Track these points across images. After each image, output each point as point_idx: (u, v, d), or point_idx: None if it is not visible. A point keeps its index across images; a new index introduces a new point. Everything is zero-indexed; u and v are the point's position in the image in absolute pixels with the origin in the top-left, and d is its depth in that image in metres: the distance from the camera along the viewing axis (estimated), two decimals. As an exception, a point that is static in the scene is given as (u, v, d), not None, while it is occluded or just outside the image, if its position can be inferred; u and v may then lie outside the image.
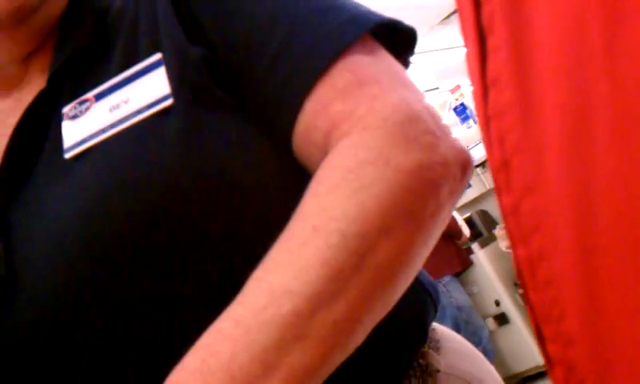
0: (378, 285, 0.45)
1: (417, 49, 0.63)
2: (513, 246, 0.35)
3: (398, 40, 0.59)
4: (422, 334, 0.63)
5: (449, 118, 7.28)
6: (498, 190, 0.35)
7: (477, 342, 3.95)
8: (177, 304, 0.53)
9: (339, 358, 0.45)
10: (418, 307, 0.63)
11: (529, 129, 0.33)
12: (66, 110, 0.60)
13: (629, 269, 0.30)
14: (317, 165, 0.50)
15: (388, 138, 0.47)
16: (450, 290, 4.09)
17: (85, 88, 0.61)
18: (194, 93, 0.56)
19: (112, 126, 0.56)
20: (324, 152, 0.51)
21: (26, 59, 0.68)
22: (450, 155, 0.48)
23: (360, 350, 0.47)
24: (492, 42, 0.34)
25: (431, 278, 0.68)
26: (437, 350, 0.65)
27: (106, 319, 0.53)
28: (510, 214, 0.34)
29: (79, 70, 0.63)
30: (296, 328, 0.43)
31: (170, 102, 0.55)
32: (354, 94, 0.51)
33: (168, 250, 0.52)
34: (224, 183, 0.54)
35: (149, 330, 0.53)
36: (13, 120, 0.63)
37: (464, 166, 0.49)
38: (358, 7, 0.57)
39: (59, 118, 0.60)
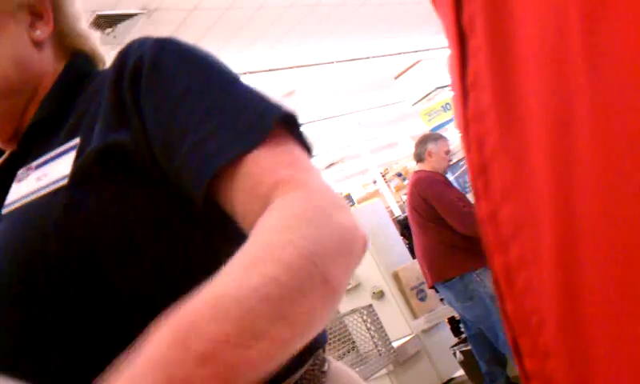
0: (324, 296, 0.55)
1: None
2: (490, 254, 0.33)
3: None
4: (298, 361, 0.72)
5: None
6: (476, 196, 0.34)
7: None
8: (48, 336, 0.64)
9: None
10: None
11: (508, 132, 0.31)
12: (19, 172, 0.73)
13: (610, 278, 0.29)
14: (255, 212, 0.60)
15: (329, 200, 0.60)
16: (482, 280, 4.07)
17: (38, 156, 0.73)
18: (88, 175, 0.67)
19: (31, 194, 0.68)
20: (267, 202, 0.60)
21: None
22: (357, 223, 0.61)
23: None
24: (472, 44, 0.33)
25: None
26: (322, 376, 0.74)
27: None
28: (488, 220, 0.33)
29: (42, 139, 0.75)
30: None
31: (64, 182, 0.66)
32: (291, 166, 0.63)
33: (43, 293, 0.64)
34: (97, 248, 0.64)
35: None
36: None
37: (364, 235, 0.62)
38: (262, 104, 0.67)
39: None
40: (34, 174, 0.71)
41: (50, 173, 0.68)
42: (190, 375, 0.47)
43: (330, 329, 3.63)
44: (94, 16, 5.15)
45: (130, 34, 5.58)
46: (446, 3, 0.35)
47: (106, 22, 5.33)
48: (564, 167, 0.29)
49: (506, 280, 0.32)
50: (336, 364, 0.78)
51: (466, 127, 0.33)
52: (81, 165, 0.67)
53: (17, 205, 0.68)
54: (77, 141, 0.69)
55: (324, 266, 0.54)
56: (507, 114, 0.31)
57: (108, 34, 5.48)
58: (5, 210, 0.69)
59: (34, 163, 0.72)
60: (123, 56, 0.72)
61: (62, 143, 0.71)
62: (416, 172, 4.18)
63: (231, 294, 0.51)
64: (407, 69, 6.53)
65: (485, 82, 0.32)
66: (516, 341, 0.33)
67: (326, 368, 0.75)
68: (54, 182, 0.67)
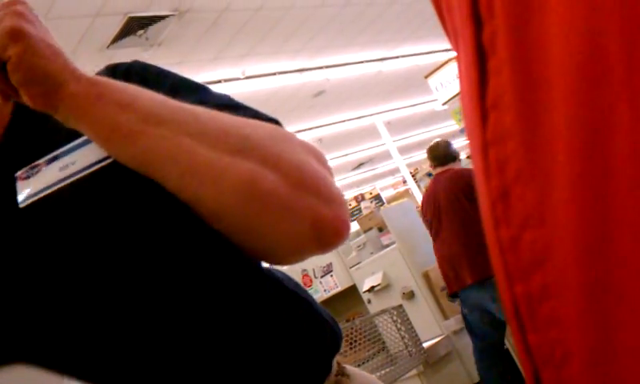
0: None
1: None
2: (508, 282, 0.32)
3: None
4: (326, 362, 0.82)
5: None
6: (493, 222, 0.32)
7: None
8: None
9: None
10: (321, 341, 0.82)
11: (534, 155, 0.30)
12: (19, 173, 0.79)
13: None
14: None
15: None
16: None
17: (33, 158, 0.79)
18: None
19: (63, 180, 0.75)
20: None
21: None
22: None
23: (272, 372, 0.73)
24: (494, 63, 0.31)
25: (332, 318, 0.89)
26: (347, 376, 0.84)
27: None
28: (508, 248, 0.31)
29: (25, 146, 0.82)
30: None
31: (108, 161, 0.75)
32: None
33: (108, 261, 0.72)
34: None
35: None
36: None
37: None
38: None
39: (11, 181, 0.78)
40: (52, 167, 0.78)
41: (79, 160, 0.77)
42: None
43: (360, 329, 3.61)
44: (126, 18, 5.21)
45: (161, 35, 5.63)
46: (462, 21, 0.33)
47: (138, 24, 5.38)
48: (597, 193, 0.28)
49: (528, 310, 0.31)
50: (353, 368, 0.87)
51: (484, 150, 0.32)
52: None
53: (46, 192, 0.75)
54: None
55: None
56: (533, 136, 0.30)
57: (140, 35, 5.54)
58: (26, 203, 0.75)
59: (41, 161, 0.79)
60: (109, 71, 0.84)
61: (68, 142, 0.79)
62: (451, 168, 4.14)
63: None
64: (438, 68, 6.47)
65: (508, 103, 0.30)
66: (537, 374, 0.32)
67: (349, 372, 0.85)
68: (92, 165, 0.76)
